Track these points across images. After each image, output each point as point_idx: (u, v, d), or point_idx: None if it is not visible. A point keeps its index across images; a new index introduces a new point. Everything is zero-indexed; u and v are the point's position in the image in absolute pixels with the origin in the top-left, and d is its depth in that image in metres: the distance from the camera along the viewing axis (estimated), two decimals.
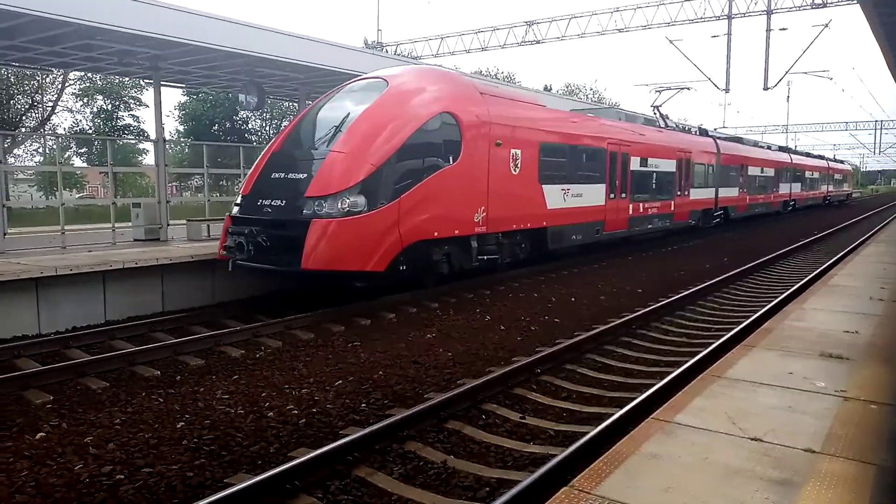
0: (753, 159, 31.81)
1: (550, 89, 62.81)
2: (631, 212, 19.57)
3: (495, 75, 64.60)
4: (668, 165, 21.94)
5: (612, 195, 18.42)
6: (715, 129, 42.39)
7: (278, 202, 10.82)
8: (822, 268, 16.87)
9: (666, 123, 24.95)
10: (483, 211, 13.05)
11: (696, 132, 27.73)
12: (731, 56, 29.82)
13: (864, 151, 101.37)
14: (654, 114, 25.73)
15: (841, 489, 4.02)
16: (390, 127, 11.21)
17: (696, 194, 24.59)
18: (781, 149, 41.26)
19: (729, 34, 29.83)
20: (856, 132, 78.86)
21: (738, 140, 33.75)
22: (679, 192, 22.84)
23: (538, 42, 33.77)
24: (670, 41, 30.77)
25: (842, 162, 68.19)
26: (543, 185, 15.20)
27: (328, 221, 10.16)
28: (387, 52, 35.86)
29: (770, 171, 34.62)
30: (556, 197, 15.74)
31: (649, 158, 20.51)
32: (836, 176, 57.10)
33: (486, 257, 13.63)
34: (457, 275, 13.38)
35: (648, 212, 20.66)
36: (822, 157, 53.47)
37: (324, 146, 11.21)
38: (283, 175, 11.25)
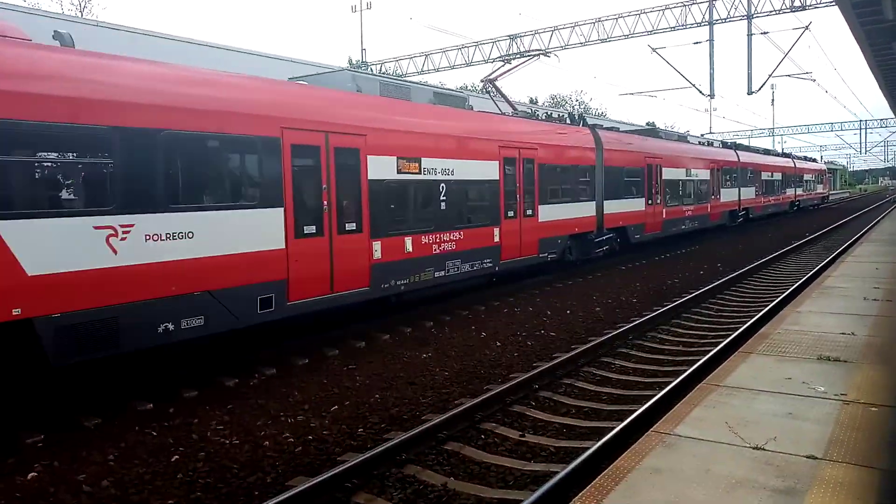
0: (669, 158, 23.08)
1: (536, 101, 63.06)
2: (379, 255, 10.93)
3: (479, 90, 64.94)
4: (481, 170, 13.57)
5: (309, 228, 9.76)
6: (653, 124, 36.42)
7: None
8: (815, 270, 16.91)
9: (514, 107, 17.36)
10: None
11: (565, 120, 19.91)
12: (714, 61, 30.08)
13: (850, 152, 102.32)
14: (485, 91, 18.36)
15: (845, 495, 3.98)
16: None
17: (553, 213, 16.03)
18: (727, 146, 33.90)
19: (711, 40, 30.10)
20: (842, 132, 79.58)
21: (653, 133, 25.31)
22: (511, 214, 14.42)
23: (521, 55, 33.98)
24: (653, 49, 31.03)
25: (814, 160, 58.33)
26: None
27: None
28: (371, 70, 36.04)
29: (702, 174, 26.17)
30: (67, 247, 7.08)
31: (425, 159, 12.07)
32: (807, 177, 48.60)
33: None
34: None
35: (434, 250, 12.24)
36: (788, 156, 45.93)
37: None
38: None
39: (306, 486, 5.40)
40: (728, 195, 29.45)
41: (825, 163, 72.42)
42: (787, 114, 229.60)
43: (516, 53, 33.74)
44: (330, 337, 10.66)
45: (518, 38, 33.93)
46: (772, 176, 37.56)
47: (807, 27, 28.80)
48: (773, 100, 78.16)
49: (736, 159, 31.04)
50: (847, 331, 8.13)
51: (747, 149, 36.88)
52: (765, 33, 30.62)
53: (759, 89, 29.59)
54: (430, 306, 12.93)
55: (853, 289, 11.25)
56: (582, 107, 77.39)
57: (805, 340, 7.73)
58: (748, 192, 32.71)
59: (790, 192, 42.47)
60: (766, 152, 41.56)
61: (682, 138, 28.33)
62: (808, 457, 4.54)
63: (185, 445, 6.70)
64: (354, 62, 42.56)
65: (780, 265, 19.73)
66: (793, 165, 43.77)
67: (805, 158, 53.05)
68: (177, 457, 6.43)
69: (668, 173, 22.89)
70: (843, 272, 13.44)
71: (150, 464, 6.27)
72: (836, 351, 7.18)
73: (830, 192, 67.18)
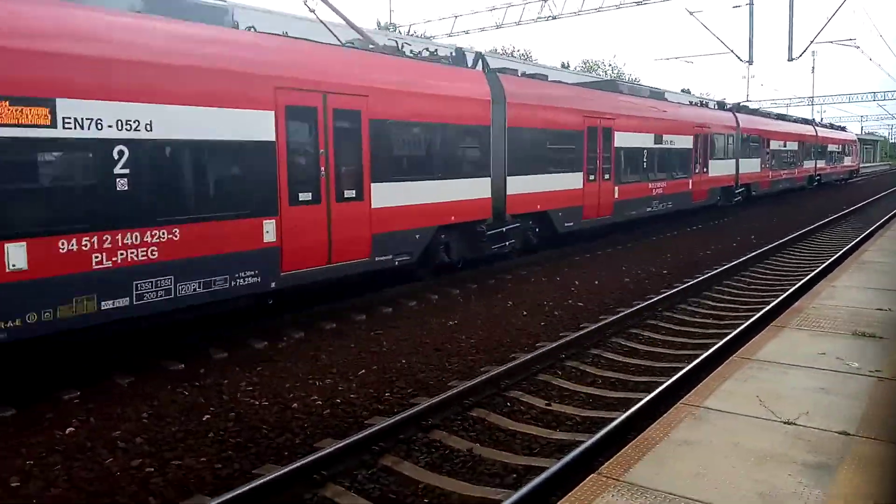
0: (625, 119, 17.51)
1: (568, 66, 62.02)
2: None
3: (511, 53, 63.98)
4: (227, 125, 8.31)
5: None
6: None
7: None
8: (851, 244, 16.53)
9: (363, 34, 12.01)
10: None
11: (448, 60, 12.95)
12: (753, 26, 29.12)
13: (893, 122, 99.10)
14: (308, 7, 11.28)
15: (877, 472, 3.92)
16: None
17: (404, 195, 10.93)
18: (724, 107, 27.67)
19: (751, 3, 29.13)
20: (884, 102, 76.89)
21: (610, 86, 19.39)
22: (306, 197, 9.33)
23: (554, 18, 33.22)
24: (690, 12, 30.16)
25: (842, 128, 50.96)
26: None
27: None
28: (400, 32, 35.66)
29: (681, 141, 20.62)
30: None
31: (72, 101, 6.83)
32: (832, 147, 41.77)
33: None
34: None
35: (98, 264, 7.06)
36: (808, 122, 39.27)
37: None
38: None
39: (334, 447, 5.49)
40: (721, 168, 23.64)
41: (866, 133, 69.32)
42: (829, 82, 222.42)
43: (549, 16, 33.02)
44: (357, 302, 10.74)
45: (551, 0, 33.19)
46: (784, 145, 31.34)
47: None
48: (813, 67, 75.56)
49: (733, 124, 25.30)
50: (884, 306, 7.95)
51: (753, 112, 30.67)
52: None
53: (800, 56, 28.65)
54: (457, 273, 12.87)
55: (892, 264, 10.98)
56: (616, 71, 75.78)
57: (840, 315, 7.58)
58: (750, 165, 26.68)
59: (808, 164, 36.11)
60: (781, 118, 34.80)
61: (658, 95, 21.16)
62: (840, 432, 4.47)
63: (216, 405, 6.84)
64: (383, 24, 42.10)
65: (817, 238, 19.32)
66: (813, 133, 37.10)
67: (831, 126, 46.58)
68: (208, 416, 6.57)
69: (625, 139, 17.32)
70: (881, 246, 13.11)
71: (182, 422, 6.43)
72: (872, 327, 7.03)
73: (861, 165, 59.14)
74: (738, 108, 27.85)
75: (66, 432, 6.19)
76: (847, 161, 46.89)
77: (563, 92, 15.83)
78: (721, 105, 27.53)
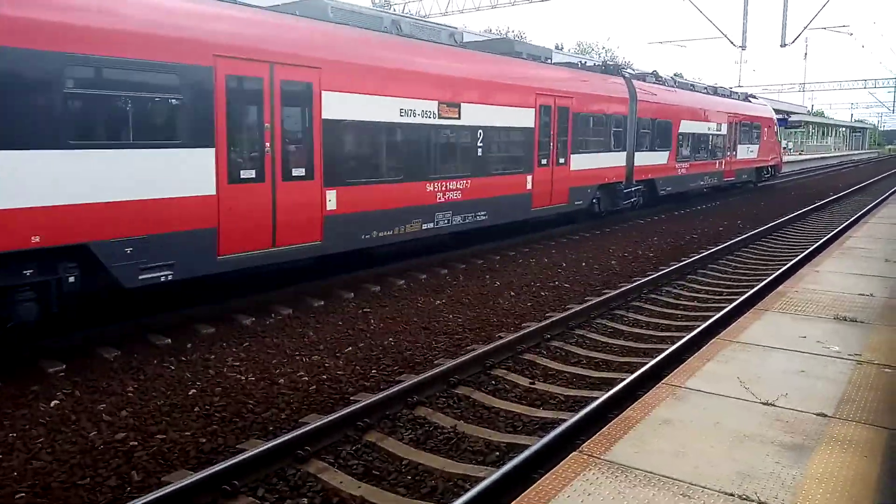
0: None
1: (562, 48, 61.69)
2: None
3: (505, 33, 63.52)
4: None
5: None
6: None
7: None
8: (836, 230, 16.66)
9: None
10: None
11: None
12: (748, 11, 29.05)
13: (883, 110, 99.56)
14: None
15: (853, 453, 3.99)
16: None
17: None
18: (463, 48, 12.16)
19: None
20: (875, 90, 77.15)
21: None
22: None
23: None
24: None
25: (746, 98, 30.03)
26: None
27: None
28: (395, 10, 35.28)
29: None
30: None
31: None
32: (695, 127, 22.14)
33: None
34: None
35: None
36: (607, 69, 18.87)
37: None
38: None
39: (320, 423, 5.51)
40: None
41: (856, 121, 67.05)
42: (821, 69, 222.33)
43: None
44: (345, 280, 10.73)
45: None
46: (437, 116, 11.68)
47: None
48: (805, 53, 75.53)
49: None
50: (866, 292, 8.04)
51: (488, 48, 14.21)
52: None
53: (793, 42, 28.66)
54: (445, 253, 12.90)
55: (875, 250, 11.08)
56: (609, 54, 75.36)
57: (822, 300, 7.66)
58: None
59: (590, 161, 16.43)
60: (501, 47, 14.92)
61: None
62: (818, 414, 4.54)
63: (203, 380, 6.85)
64: (378, 3, 41.59)
65: (805, 223, 19.46)
66: (620, 94, 17.74)
67: (706, 89, 25.19)
68: (194, 391, 6.58)
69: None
70: (866, 233, 13.22)
71: (168, 396, 6.43)
72: (853, 311, 7.11)
73: (783, 158, 34.53)
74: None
75: (51, 405, 6.18)
76: (749, 153, 27.48)
77: None
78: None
